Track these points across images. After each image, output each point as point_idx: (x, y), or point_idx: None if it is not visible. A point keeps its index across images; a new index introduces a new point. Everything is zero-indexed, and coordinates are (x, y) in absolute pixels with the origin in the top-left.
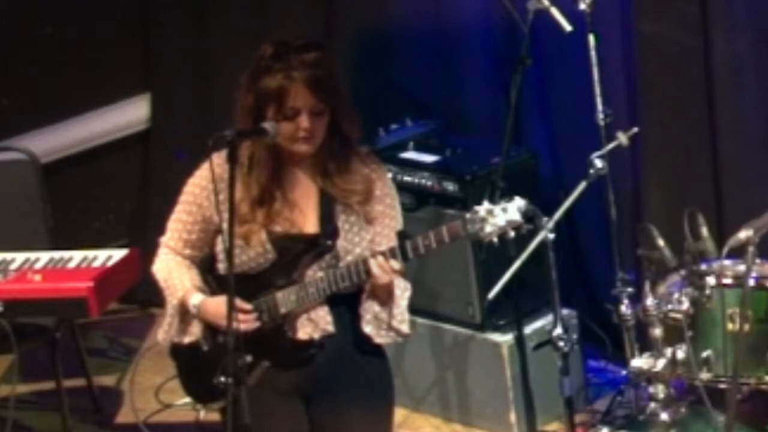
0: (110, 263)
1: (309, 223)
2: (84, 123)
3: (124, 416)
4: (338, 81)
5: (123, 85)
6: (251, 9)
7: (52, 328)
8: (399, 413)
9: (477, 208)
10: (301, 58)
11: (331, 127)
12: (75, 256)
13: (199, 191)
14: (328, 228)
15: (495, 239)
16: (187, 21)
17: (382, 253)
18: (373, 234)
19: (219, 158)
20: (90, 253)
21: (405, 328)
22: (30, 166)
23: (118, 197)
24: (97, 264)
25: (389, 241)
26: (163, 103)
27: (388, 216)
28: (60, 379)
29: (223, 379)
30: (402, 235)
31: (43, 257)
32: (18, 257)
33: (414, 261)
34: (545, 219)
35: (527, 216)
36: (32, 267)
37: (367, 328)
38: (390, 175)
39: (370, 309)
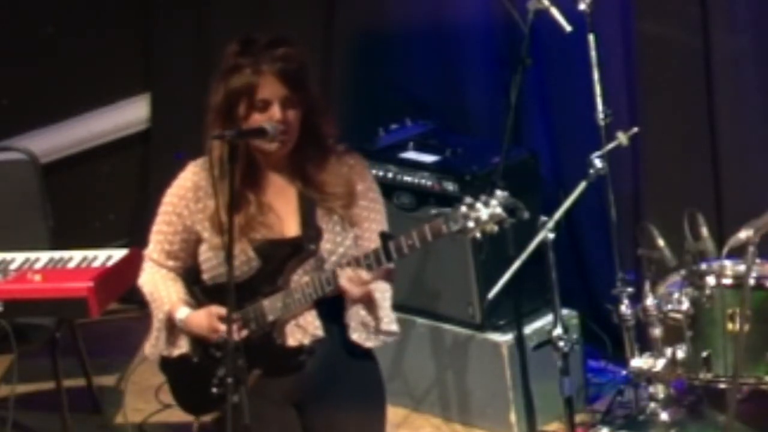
0: (110, 263)
1: (289, 227)
2: (84, 123)
3: (124, 416)
4: (309, 77)
5: (123, 85)
6: (251, 9)
7: (52, 328)
8: (399, 413)
9: (458, 204)
10: (269, 53)
11: (305, 127)
12: (75, 256)
13: (178, 201)
14: (311, 231)
15: (478, 234)
16: (187, 21)
17: (350, 264)
18: (361, 232)
19: (195, 166)
20: (90, 253)
21: (394, 327)
22: (30, 166)
23: (118, 197)
24: (97, 264)
25: (375, 240)
26: (163, 103)
27: (373, 211)
28: (60, 379)
29: (215, 390)
30: (385, 236)
31: (43, 257)
32: (18, 257)
33: (414, 261)
34: (545, 219)
35: (509, 209)
36: (32, 267)
37: (354, 335)
38: (374, 171)
39: (354, 316)
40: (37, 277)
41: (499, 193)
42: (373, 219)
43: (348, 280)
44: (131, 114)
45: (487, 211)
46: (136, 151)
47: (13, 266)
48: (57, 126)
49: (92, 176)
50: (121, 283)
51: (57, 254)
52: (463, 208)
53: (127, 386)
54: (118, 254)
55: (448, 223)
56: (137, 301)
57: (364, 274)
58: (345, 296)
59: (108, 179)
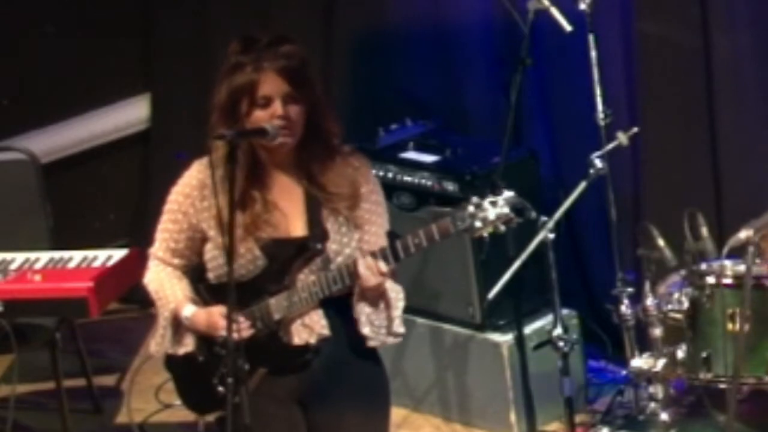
0: (110, 263)
1: (295, 227)
2: (84, 123)
3: (124, 416)
4: (312, 75)
5: (123, 85)
6: (251, 9)
7: (52, 328)
8: (399, 413)
9: (465, 203)
10: (271, 50)
11: (309, 125)
12: (75, 256)
13: (183, 199)
14: (317, 231)
15: (485, 234)
16: (187, 21)
17: (373, 254)
18: (362, 233)
19: (201, 165)
20: (90, 253)
21: (403, 330)
22: (30, 166)
23: (118, 197)
24: (97, 264)
25: (379, 241)
26: (163, 103)
27: (375, 213)
28: (60, 379)
29: (221, 388)
30: (392, 235)
31: (43, 257)
32: (18, 257)
33: (414, 261)
34: (545, 219)
35: (516, 209)
36: (32, 267)
37: (365, 330)
38: (374, 171)
39: (362, 311)
40: (37, 277)
41: (506, 192)
42: (375, 221)
43: (367, 267)
44: (131, 114)
45: (494, 210)
46: (136, 151)
47: (13, 266)
48: (57, 126)
49: (92, 176)
50: (121, 283)
51: (57, 254)
52: (471, 208)
53: (128, 386)
54: (118, 254)
55: (455, 223)
56: (137, 301)
57: (383, 265)
58: (358, 286)
59: (108, 179)
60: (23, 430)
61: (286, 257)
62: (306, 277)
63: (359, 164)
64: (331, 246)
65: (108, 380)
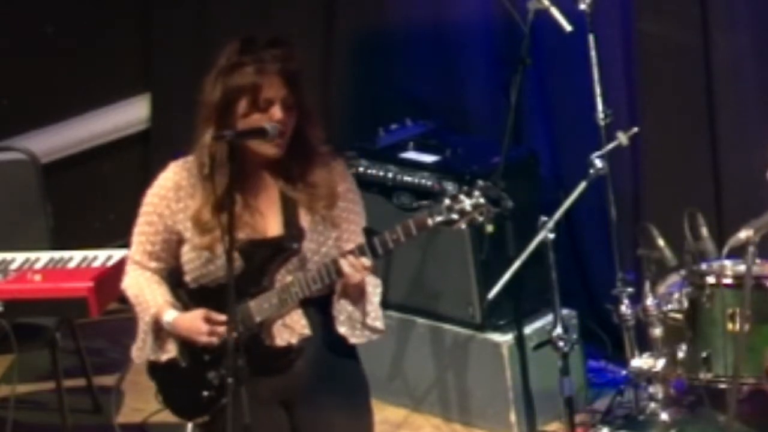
0: (110, 263)
1: (271, 227)
2: (84, 123)
3: (124, 416)
4: (303, 79)
5: (123, 85)
6: (252, 9)
7: (52, 328)
8: (399, 413)
9: (442, 197)
10: (271, 53)
11: (295, 129)
12: (75, 256)
13: (159, 200)
14: (293, 230)
15: (463, 225)
16: (187, 21)
17: (352, 252)
18: (340, 232)
19: (177, 166)
20: (90, 253)
21: (379, 324)
22: (30, 166)
23: (118, 197)
24: (97, 264)
25: (356, 239)
26: (163, 103)
27: (353, 212)
28: (60, 379)
29: (206, 393)
30: (368, 232)
31: (43, 257)
32: (18, 257)
33: (413, 261)
34: (545, 219)
35: (492, 198)
36: (32, 267)
37: (342, 329)
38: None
39: (343, 309)
40: (37, 277)
41: (480, 182)
42: (352, 220)
43: (350, 265)
44: (131, 114)
45: (470, 201)
46: (136, 151)
47: (13, 266)
48: (57, 126)
49: (92, 176)
50: (121, 283)
51: (57, 254)
52: (447, 201)
53: (127, 386)
54: (118, 254)
55: (432, 216)
56: None
57: (366, 261)
58: (339, 284)
59: (108, 179)
60: (23, 430)
61: (263, 258)
62: (283, 278)
63: (335, 164)
64: (308, 245)
65: (108, 380)
